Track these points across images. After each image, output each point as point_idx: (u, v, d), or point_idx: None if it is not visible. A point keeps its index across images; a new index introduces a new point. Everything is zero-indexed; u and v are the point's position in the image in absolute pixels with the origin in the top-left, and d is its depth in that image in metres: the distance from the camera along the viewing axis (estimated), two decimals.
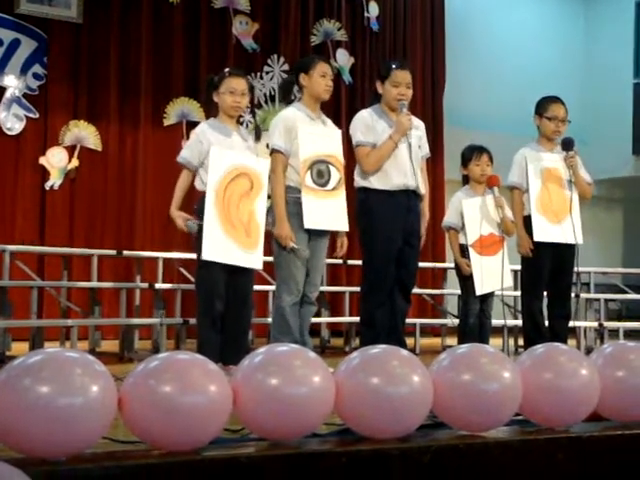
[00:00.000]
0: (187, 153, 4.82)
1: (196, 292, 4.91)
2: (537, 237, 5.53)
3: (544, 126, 5.65)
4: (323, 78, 4.95)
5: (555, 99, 5.70)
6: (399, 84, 5.05)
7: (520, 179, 5.65)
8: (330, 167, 4.95)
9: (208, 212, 4.61)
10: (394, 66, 5.13)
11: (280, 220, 4.81)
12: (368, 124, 5.06)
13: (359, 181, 5.10)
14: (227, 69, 4.98)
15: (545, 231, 5.56)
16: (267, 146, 5.07)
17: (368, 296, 5.09)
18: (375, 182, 5.03)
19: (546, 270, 5.59)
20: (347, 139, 5.31)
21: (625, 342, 3.31)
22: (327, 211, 4.93)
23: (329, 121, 5.21)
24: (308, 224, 4.84)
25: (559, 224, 5.59)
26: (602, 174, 11.45)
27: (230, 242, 4.67)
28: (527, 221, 5.58)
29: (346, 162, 5.15)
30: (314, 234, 4.92)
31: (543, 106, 5.66)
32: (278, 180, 4.84)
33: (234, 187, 4.71)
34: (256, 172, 4.80)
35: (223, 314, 4.74)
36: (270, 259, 5.13)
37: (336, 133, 5.12)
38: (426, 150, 5.30)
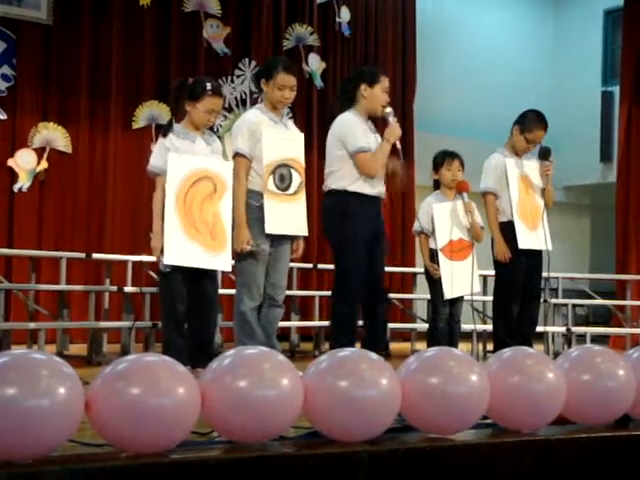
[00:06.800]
0: (158, 161, 4.71)
1: (159, 297, 4.91)
2: (521, 244, 5.56)
3: (519, 141, 5.66)
4: (280, 91, 4.87)
5: (543, 124, 5.63)
6: (386, 91, 5.12)
7: (496, 185, 5.66)
8: (292, 171, 4.93)
9: (168, 217, 4.59)
10: (381, 72, 5.22)
11: (239, 224, 4.79)
12: (360, 128, 5.06)
13: (336, 183, 5.03)
14: (209, 85, 4.74)
15: (527, 238, 5.60)
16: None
17: (340, 298, 5.07)
18: (361, 186, 5.00)
19: (522, 275, 5.63)
20: (318, 143, 5.30)
21: (591, 346, 3.35)
22: (288, 216, 4.90)
23: (291, 123, 5.20)
24: (269, 229, 4.82)
25: (535, 231, 5.64)
26: (570, 181, 11.60)
27: (194, 245, 4.64)
28: (503, 227, 5.61)
29: (313, 166, 5.12)
30: (276, 238, 4.90)
31: (529, 126, 5.63)
32: (240, 184, 4.82)
33: (195, 191, 4.66)
34: (219, 174, 4.75)
35: (189, 317, 4.73)
36: None
37: (299, 136, 5.08)
38: None
